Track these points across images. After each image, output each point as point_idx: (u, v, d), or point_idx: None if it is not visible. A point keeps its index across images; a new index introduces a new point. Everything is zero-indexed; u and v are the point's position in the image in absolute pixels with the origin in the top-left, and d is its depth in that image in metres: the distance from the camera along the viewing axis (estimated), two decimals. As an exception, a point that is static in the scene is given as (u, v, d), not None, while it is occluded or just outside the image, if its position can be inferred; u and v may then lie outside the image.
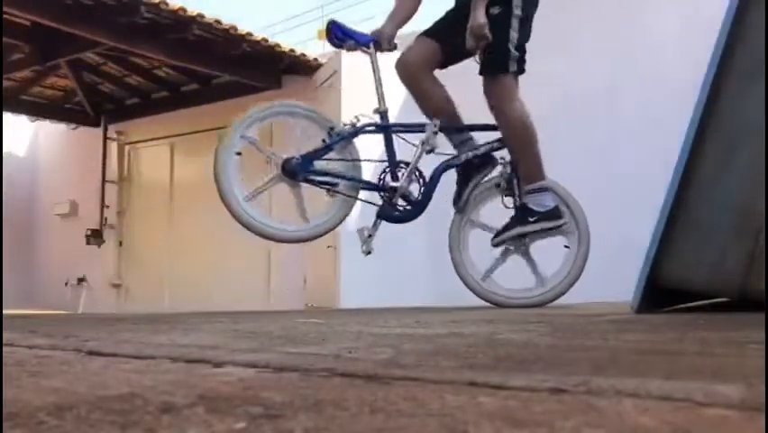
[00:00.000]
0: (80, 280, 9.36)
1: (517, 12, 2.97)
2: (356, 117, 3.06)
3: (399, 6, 3.31)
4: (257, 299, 7.29)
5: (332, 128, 3.04)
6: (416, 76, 3.18)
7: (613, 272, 3.55)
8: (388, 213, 3.06)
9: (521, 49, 3.01)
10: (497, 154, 3.19)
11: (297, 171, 2.93)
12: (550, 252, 3.23)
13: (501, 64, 2.98)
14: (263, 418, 0.68)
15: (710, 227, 2.15)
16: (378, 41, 3.18)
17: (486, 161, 3.16)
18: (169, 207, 8.72)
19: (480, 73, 3.06)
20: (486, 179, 3.19)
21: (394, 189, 3.06)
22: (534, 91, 3.16)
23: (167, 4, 6.08)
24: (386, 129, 3.12)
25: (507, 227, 3.11)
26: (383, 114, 3.12)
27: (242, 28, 6.71)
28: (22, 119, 9.55)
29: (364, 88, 3.36)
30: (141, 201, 9.13)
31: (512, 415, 0.67)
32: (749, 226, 2.07)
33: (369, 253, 3.05)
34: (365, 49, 3.17)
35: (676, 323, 1.97)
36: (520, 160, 3.08)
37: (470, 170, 3.16)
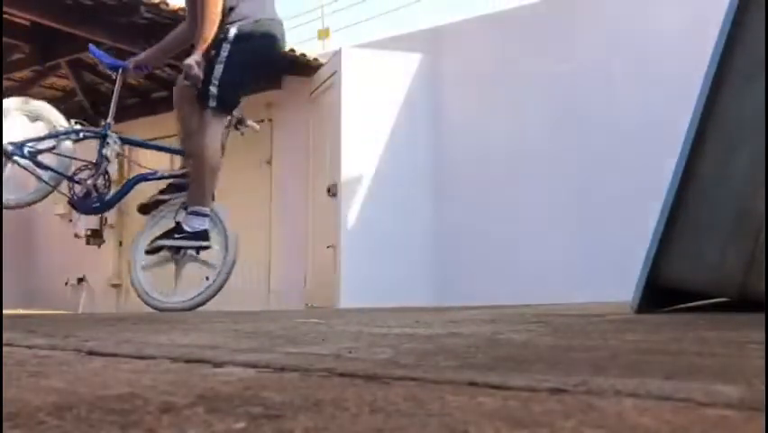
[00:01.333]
0: (80, 280, 9.34)
1: (223, 55, 3.36)
2: (77, 123, 3.53)
3: (165, 43, 3.86)
4: (257, 299, 7.28)
5: (54, 126, 3.46)
6: (178, 103, 3.69)
7: (613, 272, 3.55)
8: (77, 203, 3.54)
9: (225, 89, 3.37)
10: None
11: (8, 151, 3.35)
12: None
13: (203, 98, 3.40)
14: (263, 418, 0.68)
15: (710, 227, 2.15)
16: (126, 69, 3.71)
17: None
18: (169, 206, 8.70)
19: None
20: (177, 198, 3.60)
21: (80, 184, 3.50)
22: (534, 92, 3.16)
23: (167, 4, 6.07)
24: (101, 136, 3.56)
25: (158, 237, 3.53)
26: (107, 125, 3.59)
27: (242, 28, 6.70)
28: (22, 119, 9.54)
29: (364, 88, 3.38)
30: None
31: (512, 415, 0.67)
32: (749, 226, 2.07)
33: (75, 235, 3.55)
34: (113, 73, 3.70)
35: (676, 323, 1.97)
36: (191, 183, 3.48)
37: (172, 187, 3.61)
